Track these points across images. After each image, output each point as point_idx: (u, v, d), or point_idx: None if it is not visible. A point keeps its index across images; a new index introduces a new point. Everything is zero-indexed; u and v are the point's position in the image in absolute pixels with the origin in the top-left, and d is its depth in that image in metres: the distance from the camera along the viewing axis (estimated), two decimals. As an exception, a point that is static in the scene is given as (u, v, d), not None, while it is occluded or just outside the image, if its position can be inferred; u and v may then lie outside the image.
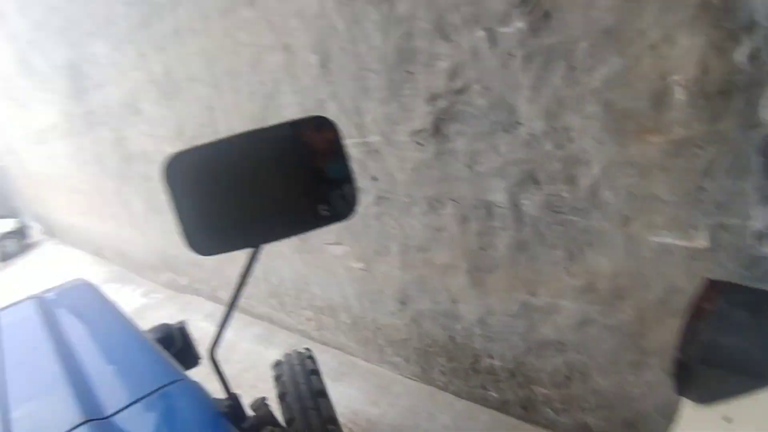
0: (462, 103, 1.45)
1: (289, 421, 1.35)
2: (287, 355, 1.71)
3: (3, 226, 8.76)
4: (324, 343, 2.78)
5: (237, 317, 3.45)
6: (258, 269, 2.96)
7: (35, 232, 9.97)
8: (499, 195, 1.49)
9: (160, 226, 4.00)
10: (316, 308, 2.67)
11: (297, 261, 2.56)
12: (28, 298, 1.73)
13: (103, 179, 4.65)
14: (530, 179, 1.39)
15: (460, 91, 1.44)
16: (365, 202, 1.92)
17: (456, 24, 1.36)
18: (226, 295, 3.56)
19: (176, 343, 1.69)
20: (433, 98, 1.51)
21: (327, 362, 2.50)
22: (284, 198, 0.71)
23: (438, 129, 1.55)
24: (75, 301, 1.71)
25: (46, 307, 1.59)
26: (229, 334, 3.35)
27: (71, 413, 0.95)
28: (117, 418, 0.93)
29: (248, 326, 3.33)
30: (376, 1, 1.52)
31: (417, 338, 2.13)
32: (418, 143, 1.63)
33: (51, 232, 9.55)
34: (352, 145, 1.86)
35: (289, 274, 2.70)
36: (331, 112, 1.87)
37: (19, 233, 9.06)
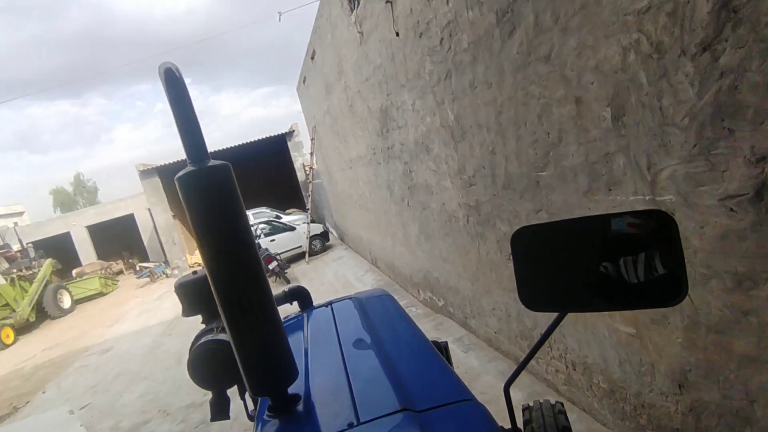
0: (804, 169, 1.20)
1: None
2: (537, 402, 1.71)
3: (314, 229, 11.41)
4: (571, 401, 2.62)
5: (483, 349, 3.59)
6: (512, 308, 3.03)
7: (332, 237, 12.60)
8: None
9: (428, 250, 4.53)
10: (569, 362, 2.55)
11: (555, 309, 2.51)
12: (349, 297, 2.19)
13: (390, 203, 5.58)
14: None
15: (802, 155, 1.19)
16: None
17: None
18: (476, 324, 3.76)
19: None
20: (759, 160, 1.29)
21: (573, 422, 2.35)
22: (608, 275, 0.76)
23: (761, 196, 1.32)
24: (383, 306, 2.03)
25: (363, 306, 1.98)
26: (474, 361, 3.53)
27: (392, 399, 1.14)
28: (425, 415, 1.07)
29: (493, 360, 3.41)
30: (691, 54, 1.42)
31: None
32: (731, 209, 1.41)
33: (342, 238, 11.92)
34: (638, 202, 1.75)
35: (545, 320, 2.66)
36: (618, 166, 1.80)
37: (323, 236, 11.63)
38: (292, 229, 11.45)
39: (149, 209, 18.02)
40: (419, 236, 4.71)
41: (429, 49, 3.27)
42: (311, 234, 11.19)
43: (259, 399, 1.56)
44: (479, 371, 3.30)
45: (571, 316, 2.41)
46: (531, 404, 1.75)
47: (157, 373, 5.79)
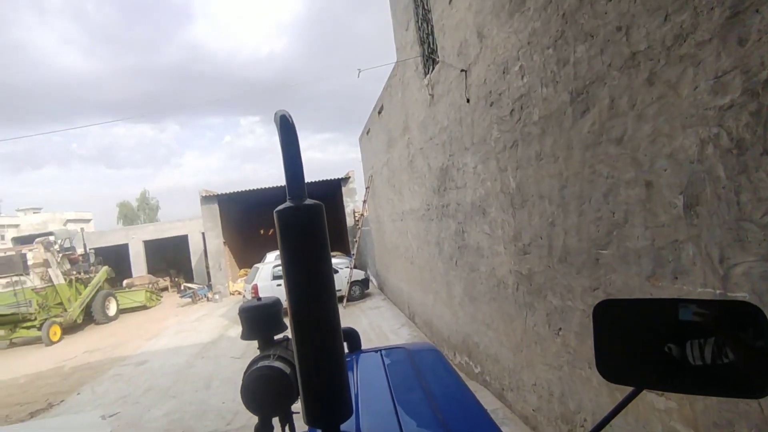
0: None
1: None
2: None
3: (356, 275, 11.49)
4: (612, 501, 2.42)
5: (519, 426, 3.42)
6: (555, 386, 2.90)
7: (372, 285, 12.60)
8: None
9: (471, 313, 4.45)
10: (614, 456, 2.38)
11: (604, 395, 2.39)
12: (398, 346, 2.21)
13: (436, 260, 5.59)
14: None
15: None
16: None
17: None
18: (513, 397, 3.60)
19: None
20: None
21: None
22: (687, 358, 0.78)
23: None
24: (432, 360, 2.02)
25: (413, 357, 2.00)
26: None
27: None
28: None
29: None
30: (775, 153, 1.42)
31: None
32: (811, 317, 1.34)
33: (382, 288, 11.89)
34: (707, 294, 1.69)
35: (590, 404, 2.53)
36: (687, 255, 1.77)
37: (363, 283, 11.67)
38: (335, 272, 11.59)
39: (203, 233, 18.88)
40: (463, 297, 4.66)
41: (498, 118, 3.39)
42: (352, 279, 11.26)
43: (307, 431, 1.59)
44: (512, 450, 3.13)
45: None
46: None
47: (186, 394, 5.86)
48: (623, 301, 0.93)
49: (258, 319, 2.14)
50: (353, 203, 16.97)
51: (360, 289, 11.52)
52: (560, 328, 2.79)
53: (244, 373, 1.97)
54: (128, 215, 53.79)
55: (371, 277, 13.14)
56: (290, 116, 1.43)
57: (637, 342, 0.84)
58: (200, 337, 9.74)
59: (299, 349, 1.26)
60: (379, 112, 8.69)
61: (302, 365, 1.25)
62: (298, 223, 1.29)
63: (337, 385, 1.23)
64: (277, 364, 1.76)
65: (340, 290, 11.29)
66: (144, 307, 17.35)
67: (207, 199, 17.10)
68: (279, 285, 11.22)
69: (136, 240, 23.98)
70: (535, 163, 2.92)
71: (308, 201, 1.33)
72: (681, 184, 1.78)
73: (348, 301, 11.00)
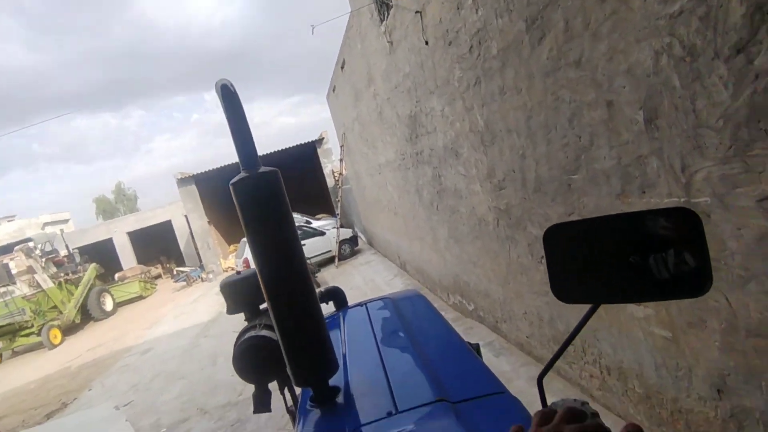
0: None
1: None
2: (561, 399, 1.73)
3: (343, 233, 11.55)
4: (606, 406, 2.59)
5: (515, 353, 3.58)
6: (544, 312, 3.02)
7: (360, 241, 12.72)
8: None
9: (458, 254, 4.55)
10: (603, 367, 2.52)
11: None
12: (382, 297, 2.27)
13: (418, 207, 5.63)
14: None
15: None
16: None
17: None
18: (507, 328, 3.75)
19: None
20: (797, 162, 1.28)
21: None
22: (636, 268, 0.80)
23: (800, 197, 1.30)
24: (415, 305, 2.10)
25: (397, 305, 2.06)
26: (505, 366, 3.52)
27: (428, 390, 1.20)
28: (461, 406, 1.12)
29: (526, 365, 3.40)
30: (725, 56, 1.42)
31: (735, 439, 1.76)
32: (768, 211, 1.40)
33: (371, 242, 12.02)
34: (672, 204, 1.74)
35: (576, 321, 2.65)
36: (652, 168, 1.80)
37: (352, 241, 11.77)
38: (322, 234, 11.62)
39: (186, 216, 18.64)
40: (448, 240, 4.74)
41: (458, 57, 3.31)
42: (340, 239, 11.33)
43: (301, 391, 1.67)
44: (511, 375, 3.29)
45: (605, 320, 2.40)
46: (555, 401, 1.79)
47: (195, 373, 6.00)
48: (570, 224, 0.96)
49: (240, 292, 2.10)
50: (331, 163, 16.79)
51: (350, 247, 11.63)
52: (542, 256, 2.87)
53: (234, 345, 1.87)
54: (107, 209, 52.63)
55: (359, 234, 13.24)
56: (232, 85, 1.37)
57: (587, 261, 0.88)
58: (200, 317, 9.84)
59: (276, 315, 1.25)
60: (342, 67, 8.43)
61: (282, 330, 1.25)
62: (255, 192, 1.22)
63: (319, 344, 1.28)
64: (264, 332, 1.84)
65: (330, 251, 11.39)
66: (140, 297, 17.37)
67: (183, 181, 16.75)
68: (303, 245, 11.24)
69: (119, 233, 23.63)
70: (499, 97, 2.89)
71: (263, 169, 1.30)
72: (640, 99, 1.78)
73: (339, 260, 11.12)
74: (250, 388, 5.00)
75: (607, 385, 2.54)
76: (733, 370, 1.69)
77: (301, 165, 20.21)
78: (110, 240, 23.42)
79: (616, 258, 0.83)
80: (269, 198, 1.23)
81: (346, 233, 11.77)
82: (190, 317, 10.33)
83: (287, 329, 1.24)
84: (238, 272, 2.30)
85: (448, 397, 1.15)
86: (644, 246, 0.80)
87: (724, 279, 1.61)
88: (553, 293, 0.87)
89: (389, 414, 1.14)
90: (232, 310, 2.16)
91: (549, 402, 1.24)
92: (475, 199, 3.73)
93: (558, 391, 2.93)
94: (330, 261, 11.26)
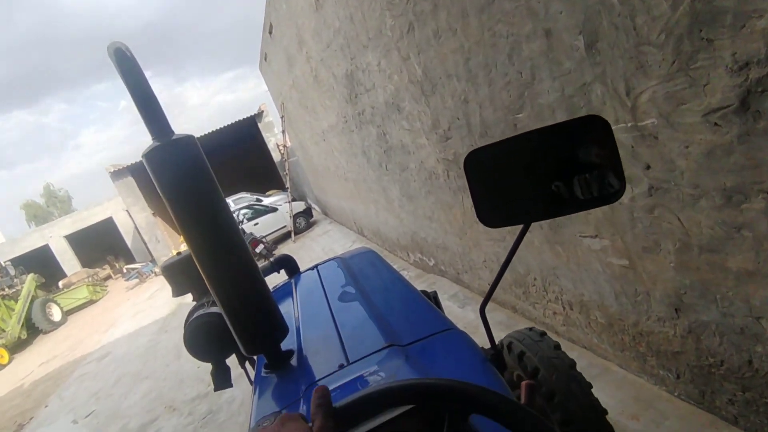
0: (789, 70, 1.14)
1: (534, 371, 1.49)
2: (515, 331, 1.76)
3: (296, 207, 11.27)
4: (571, 340, 2.65)
5: (479, 302, 3.61)
6: (503, 257, 3.01)
7: (315, 212, 12.49)
8: None
9: (413, 211, 4.48)
10: (565, 302, 2.55)
11: (546, 252, 2.49)
12: (333, 258, 2.25)
13: (367, 169, 5.48)
14: None
15: (786, 55, 1.13)
16: (633, 193, 1.73)
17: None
18: (469, 278, 3.76)
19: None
20: (742, 67, 1.23)
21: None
22: (556, 184, 0.82)
23: (746, 105, 1.26)
24: (366, 261, 2.11)
25: (347, 264, 2.08)
26: (471, 315, 3.53)
27: (378, 338, 1.21)
28: (410, 348, 1.14)
29: (491, 312, 3.42)
30: (662, -37, 1.33)
31: (695, 354, 1.81)
32: (715, 124, 1.36)
33: (326, 212, 11.83)
34: (620, 130, 1.69)
35: (537, 264, 2.66)
36: (597, 95, 1.74)
37: (306, 213, 11.52)
38: (275, 210, 11.29)
39: (127, 210, 17.57)
40: (401, 199, 4.65)
41: (388, 3, 3.10)
42: (294, 212, 11.05)
43: (256, 360, 1.65)
44: (477, 323, 3.32)
45: (563, 257, 2.40)
46: (511, 333, 1.75)
47: (158, 371, 5.75)
48: (489, 147, 0.92)
49: (182, 273, 2.04)
50: (274, 137, 16.16)
51: (305, 220, 11.39)
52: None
53: (184, 326, 1.82)
54: (39, 215, 49.04)
55: (313, 205, 12.98)
56: (127, 48, 1.16)
57: (509, 182, 0.89)
58: (158, 312, 9.44)
59: (214, 286, 1.19)
60: (270, 33, 7.92)
61: (223, 301, 1.19)
62: (171, 161, 1.11)
63: (264, 309, 1.25)
64: (214, 309, 1.80)
65: (285, 226, 11.11)
66: (92, 302, 16.50)
67: (118, 174, 15.65)
68: (256, 224, 10.84)
69: (55, 238, 22.07)
70: (435, 42, 2.74)
71: (176, 135, 1.14)
72: (578, 23, 1.69)
73: (296, 234, 10.89)
74: (219, 377, 4.80)
75: (571, 319, 2.58)
76: (689, 288, 1.71)
77: (244, 143, 19.37)
78: (47, 247, 21.85)
79: (536, 175, 0.83)
80: (188, 166, 1.14)
81: (300, 206, 11.49)
82: (148, 314, 9.89)
83: (228, 300, 1.20)
84: (178, 253, 2.24)
85: (399, 341, 1.18)
86: (562, 159, 0.81)
87: (675, 199, 1.59)
88: (479, 219, 0.87)
89: (341, 366, 1.15)
90: (177, 291, 2.12)
91: (495, 333, 1.23)
92: (423, 153, 3.62)
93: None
94: (287, 236, 11.01)
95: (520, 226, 0.91)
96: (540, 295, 2.78)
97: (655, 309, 1.92)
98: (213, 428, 3.71)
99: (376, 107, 4.22)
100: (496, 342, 1.29)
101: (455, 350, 1.14)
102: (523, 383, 0.60)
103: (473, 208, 0.90)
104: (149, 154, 1.09)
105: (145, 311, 10.48)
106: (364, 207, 6.72)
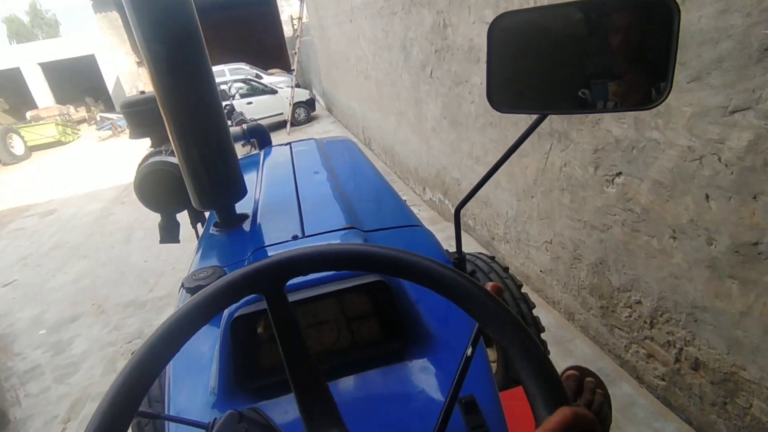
0: None
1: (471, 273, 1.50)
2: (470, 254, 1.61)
3: (299, 95, 9.85)
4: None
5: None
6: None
7: (318, 106, 11.09)
8: None
9: (451, 142, 3.35)
10: (684, 359, 1.61)
11: (699, 280, 1.49)
12: (310, 139, 2.16)
13: (401, 70, 4.21)
14: None
15: None
16: None
17: None
18: (511, 251, 2.78)
19: None
20: None
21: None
22: (591, 74, 0.68)
23: None
24: (344, 149, 2.01)
25: (324, 147, 1.99)
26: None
27: (339, 219, 1.18)
28: (371, 234, 1.13)
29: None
30: None
31: None
32: None
33: (330, 109, 10.46)
34: None
35: (663, 289, 1.66)
36: None
37: (309, 104, 10.12)
38: (274, 92, 9.85)
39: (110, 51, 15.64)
40: (440, 120, 3.50)
41: None
42: (295, 100, 9.67)
43: (207, 217, 1.65)
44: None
45: (734, 299, 1.42)
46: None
47: (101, 252, 4.85)
48: (521, 12, 0.73)
49: (143, 114, 1.89)
50: (289, 7, 14.06)
51: (305, 112, 10.04)
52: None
53: (136, 170, 1.76)
54: (21, 33, 45.26)
55: (317, 97, 11.53)
56: None
57: (536, 61, 0.72)
58: (123, 177, 8.36)
59: (174, 132, 1.14)
60: None
61: (181, 148, 1.16)
62: (155, 3, 1.00)
63: (224, 166, 1.22)
64: (171, 159, 1.69)
65: (281, 113, 9.81)
66: (59, 143, 15.22)
67: (101, 4, 13.55)
68: (249, 104, 9.54)
69: (29, 62, 19.98)
70: None
71: None
72: None
73: (292, 125, 9.62)
74: (164, 283, 3.89)
75: (671, 390, 1.66)
76: None
77: (254, 6, 17.01)
78: (17, 70, 19.81)
79: (569, 58, 0.67)
80: (173, 12, 1.04)
81: (303, 94, 10.04)
82: (111, 175, 8.83)
83: (188, 148, 1.15)
84: (142, 92, 2.11)
85: (360, 226, 1.13)
86: (603, 44, 0.64)
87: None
88: (488, 100, 0.73)
89: (294, 237, 1.09)
90: (135, 134, 2.00)
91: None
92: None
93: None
94: (281, 125, 9.73)
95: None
96: (638, 330, 1.83)
97: None
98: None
99: (445, -20, 2.91)
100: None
101: (418, 246, 1.10)
102: (490, 284, 0.46)
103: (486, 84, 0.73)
104: None
105: (109, 171, 9.40)
106: (381, 116, 5.51)
